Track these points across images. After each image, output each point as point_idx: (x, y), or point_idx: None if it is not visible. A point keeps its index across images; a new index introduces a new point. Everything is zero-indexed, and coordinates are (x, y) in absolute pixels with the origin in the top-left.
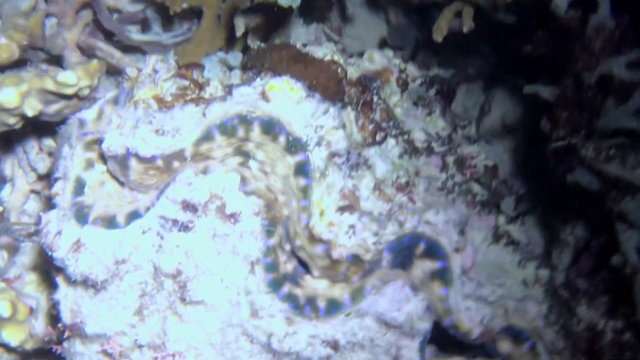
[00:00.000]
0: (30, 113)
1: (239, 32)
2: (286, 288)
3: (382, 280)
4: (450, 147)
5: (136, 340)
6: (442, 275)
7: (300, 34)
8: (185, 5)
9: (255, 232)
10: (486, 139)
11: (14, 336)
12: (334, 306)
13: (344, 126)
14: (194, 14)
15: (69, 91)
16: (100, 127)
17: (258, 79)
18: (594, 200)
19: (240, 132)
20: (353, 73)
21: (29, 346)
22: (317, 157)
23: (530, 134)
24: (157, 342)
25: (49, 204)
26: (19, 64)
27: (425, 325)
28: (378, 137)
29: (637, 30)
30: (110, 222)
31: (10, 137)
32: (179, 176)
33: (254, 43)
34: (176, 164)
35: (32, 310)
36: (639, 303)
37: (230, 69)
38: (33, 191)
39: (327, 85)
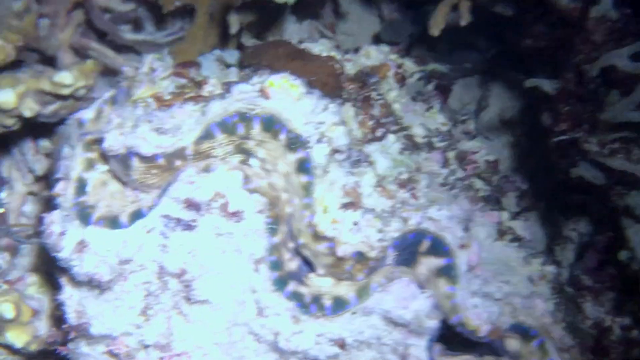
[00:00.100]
0: (28, 114)
1: (234, 30)
2: (291, 286)
3: (387, 277)
4: (450, 142)
5: (142, 340)
6: (447, 272)
7: (293, 31)
8: (178, 4)
9: (259, 230)
10: (484, 134)
11: (18, 338)
12: (340, 304)
13: (344, 122)
14: (187, 12)
15: (66, 92)
16: (99, 126)
17: (256, 77)
18: (598, 195)
19: (241, 130)
20: (350, 69)
21: (33, 348)
22: (318, 154)
23: (530, 129)
24: (163, 342)
25: (49, 205)
26: (13, 65)
27: (433, 323)
28: (378, 133)
29: (638, 21)
30: (113, 222)
31: (6, 139)
32: (181, 175)
33: (248, 40)
34: (178, 162)
35: (35, 312)
36: None
37: (227, 66)
38: (31, 193)
39: (326, 81)
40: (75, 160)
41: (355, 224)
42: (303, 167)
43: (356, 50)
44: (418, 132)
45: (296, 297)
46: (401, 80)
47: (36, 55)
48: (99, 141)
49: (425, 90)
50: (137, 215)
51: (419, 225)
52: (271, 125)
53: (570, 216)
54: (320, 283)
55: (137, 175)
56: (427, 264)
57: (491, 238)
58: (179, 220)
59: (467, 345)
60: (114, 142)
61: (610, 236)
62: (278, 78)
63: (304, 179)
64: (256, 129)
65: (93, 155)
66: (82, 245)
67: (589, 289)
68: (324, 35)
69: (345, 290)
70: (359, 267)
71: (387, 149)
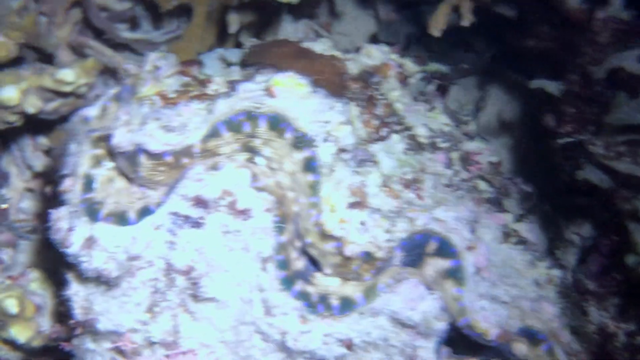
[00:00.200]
0: (31, 111)
1: (233, 29)
2: (299, 286)
3: (394, 278)
4: (453, 143)
5: (148, 337)
6: (454, 274)
7: (289, 31)
8: (175, 3)
9: (267, 228)
10: (482, 136)
11: (21, 333)
12: (347, 304)
13: (350, 122)
14: (183, 11)
15: (67, 89)
16: (104, 123)
17: (259, 75)
18: (603, 198)
19: (247, 128)
20: (352, 68)
21: (36, 343)
22: (324, 153)
23: (530, 130)
24: (170, 339)
25: (46, 201)
26: (14, 62)
27: (441, 325)
28: (382, 133)
29: None
30: (122, 218)
31: (5, 135)
32: (189, 172)
33: (246, 40)
34: (185, 160)
35: (38, 308)
36: None
37: (229, 65)
38: (28, 189)
39: (331, 80)
40: (82, 157)
41: (363, 223)
42: (309, 165)
43: (357, 49)
44: (421, 133)
45: (303, 296)
46: (403, 80)
47: (34, 53)
48: (106, 138)
49: (427, 91)
50: (145, 212)
51: (426, 226)
52: (277, 123)
53: (572, 219)
54: (327, 283)
55: (145, 172)
56: (434, 265)
57: (496, 240)
58: (187, 218)
59: (473, 349)
60: (122, 139)
61: (615, 240)
62: (284, 77)
63: (310, 177)
64: (262, 128)
65: (100, 152)
66: (91, 241)
67: (593, 293)
68: (319, 35)
69: (352, 290)
70: (366, 267)
71: (391, 148)
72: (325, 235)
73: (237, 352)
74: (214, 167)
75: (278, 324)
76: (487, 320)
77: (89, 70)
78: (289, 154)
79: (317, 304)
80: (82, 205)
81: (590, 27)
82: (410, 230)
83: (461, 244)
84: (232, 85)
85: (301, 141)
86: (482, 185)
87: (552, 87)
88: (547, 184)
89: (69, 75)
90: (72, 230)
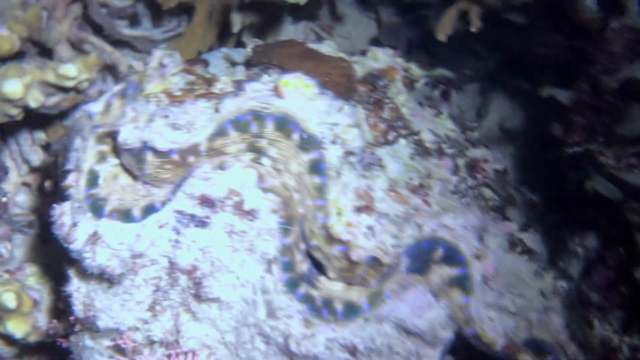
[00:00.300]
0: (33, 105)
1: (236, 28)
2: (303, 289)
3: (400, 285)
4: (459, 149)
5: (149, 336)
6: (461, 283)
7: (289, 32)
8: (177, 1)
9: (273, 230)
10: (483, 143)
11: (18, 328)
12: (352, 310)
13: (358, 125)
14: (184, 10)
15: (70, 84)
16: (109, 120)
17: (266, 75)
18: (611, 210)
19: (254, 128)
20: (359, 71)
21: (32, 339)
22: (332, 155)
23: (533, 138)
24: (170, 339)
25: (45, 196)
26: (16, 57)
27: (447, 334)
28: (390, 137)
29: None
30: (126, 216)
31: (4, 129)
32: (196, 171)
33: (248, 40)
34: (191, 158)
35: (36, 303)
36: None
37: (234, 64)
38: (24, 183)
39: (339, 82)
40: (87, 152)
41: (370, 228)
42: (317, 168)
43: (363, 52)
44: (428, 138)
45: (308, 300)
46: (409, 84)
47: (35, 48)
48: (111, 134)
49: (433, 96)
50: (150, 209)
51: (434, 233)
52: (285, 124)
53: (576, 230)
54: (331, 287)
55: (151, 169)
56: (441, 273)
57: (502, 249)
58: (192, 217)
59: (478, 359)
60: (128, 135)
61: (622, 253)
62: (292, 77)
63: (317, 180)
64: (269, 128)
65: (105, 148)
66: (95, 238)
67: (597, 306)
68: (320, 37)
69: (357, 295)
70: (372, 272)
71: (397, 153)
72: (331, 239)
73: (238, 354)
74: (221, 167)
75: (282, 327)
76: (495, 330)
77: (91, 66)
78: (296, 155)
79: (322, 308)
80: (87, 201)
81: (603, 36)
82: (418, 236)
83: (469, 252)
84: (239, 84)
85: (309, 143)
86: (488, 193)
87: (563, 95)
88: (551, 194)
89: (71, 70)
90: (76, 225)
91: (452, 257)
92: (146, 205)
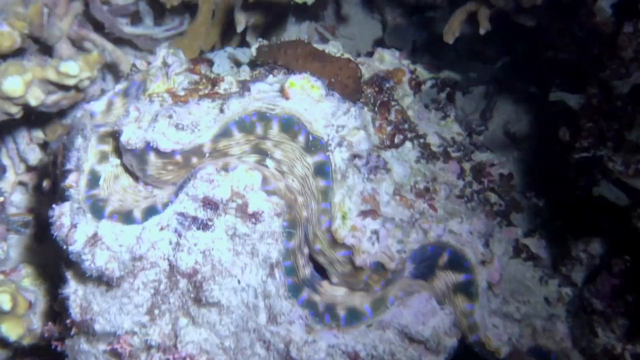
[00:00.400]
0: (34, 102)
1: (240, 28)
2: (306, 294)
3: (404, 291)
4: (465, 153)
5: (147, 340)
6: (466, 289)
7: (293, 32)
8: None
9: (276, 233)
10: (487, 146)
11: (13, 330)
12: (355, 316)
13: (365, 127)
14: (186, 9)
15: (71, 82)
16: (110, 119)
17: (272, 76)
18: (618, 216)
19: (259, 130)
20: (365, 73)
21: (26, 341)
22: (338, 158)
23: (540, 142)
24: (169, 343)
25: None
26: (16, 54)
27: (451, 342)
28: (396, 140)
29: None
30: (127, 217)
31: (0, 127)
32: (199, 172)
33: (253, 39)
34: (194, 159)
35: (31, 305)
36: None
37: (238, 64)
38: (20, 182)
39: (346, 83)
40: (88, 152)
41: (375, 232)
42: (322, 170)
43: (369, 53)
44: (434, 141)
45: (310, 305)
46: (416, 86)
47: (35, 45)
48: (113, 134)
49: (439, 98)
50: (151, 211)
51: (439, 238)
52: (290, 126)
53: (580, 236)
54: (334, 292)
55: (153, 170)
56: (445, 278)
57: (507, 255)
58: (194, 219)
59: None
60: (131, 135)
61: (627, 260)
62: (299, 78)
63: (322, 182)
64: (275, 130)
65: (107, 147)
66: (94, 239)
67: (601, 313)
68: (324, 38)
69: (360, 301)
70: (376, 278)
71: (403, 156)
72: (336, 243)
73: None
74: (225, 168)
75: (283, 332)
76: (499, 338)
77: (93, 64)
78: (301, 157)
79: (324, 314)
80: (87, 202)
81: (615, 41)
82: (423, 241)
83: (475, 258)
84: (244, 85)
85: (314, 145)
86: (494, 197)
87: (572, 100)
88: (556, 199)
89: (73, 68)
90: (76, 227)
91: (458, 262)
92: (147, 206)
